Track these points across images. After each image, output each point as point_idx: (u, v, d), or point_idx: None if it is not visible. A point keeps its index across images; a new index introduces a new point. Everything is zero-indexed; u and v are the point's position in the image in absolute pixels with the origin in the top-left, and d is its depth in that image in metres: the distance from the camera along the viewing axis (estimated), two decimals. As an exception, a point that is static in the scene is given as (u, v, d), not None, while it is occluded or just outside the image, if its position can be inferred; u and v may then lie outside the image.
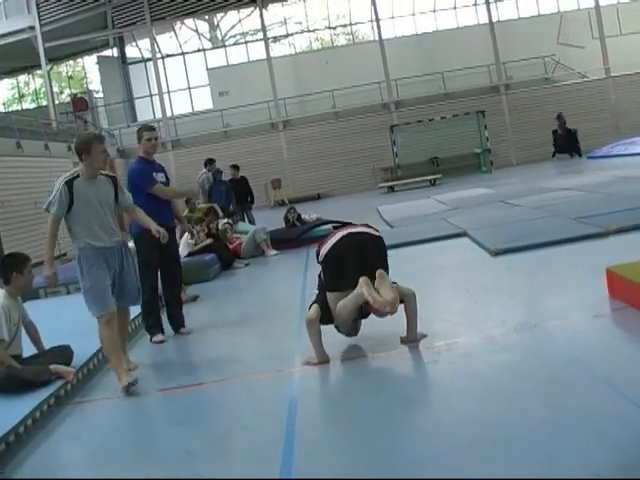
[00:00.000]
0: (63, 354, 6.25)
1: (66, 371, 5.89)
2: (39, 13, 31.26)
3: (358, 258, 5.59)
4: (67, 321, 8.40)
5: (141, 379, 5.85)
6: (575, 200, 13.14)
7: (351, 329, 5.85)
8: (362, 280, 5.41)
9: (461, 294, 7.25)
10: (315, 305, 5.65)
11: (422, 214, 15.29)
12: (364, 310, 5.62)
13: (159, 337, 7.42)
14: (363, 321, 5.96)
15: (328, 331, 5.71)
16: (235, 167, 17.56)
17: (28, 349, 6.32)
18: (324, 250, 5.77)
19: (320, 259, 5.82)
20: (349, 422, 4.36)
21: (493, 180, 24.21)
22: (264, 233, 13.39)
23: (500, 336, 5.56)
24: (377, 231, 5.97)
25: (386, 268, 5.70)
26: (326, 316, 5.63)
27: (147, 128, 7.78)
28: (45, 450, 4.73)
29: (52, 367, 5.84)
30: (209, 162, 16.97)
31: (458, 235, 11.17)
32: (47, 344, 6.45)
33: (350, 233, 5.80)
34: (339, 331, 5.86)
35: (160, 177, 7.57)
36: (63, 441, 4.91)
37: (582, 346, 5.05)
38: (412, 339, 5.72)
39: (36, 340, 6.43)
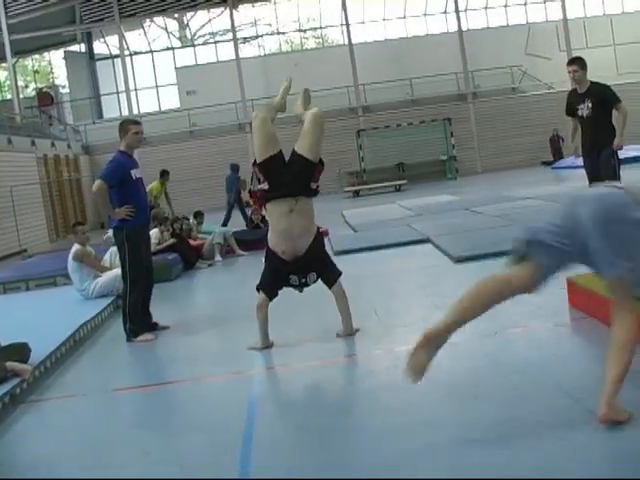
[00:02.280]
0: (20, 351, 6.14)
1: (23, 369, 5.80)
2: (5, 5, 30.80)
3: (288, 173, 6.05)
4: (25, 318, 8.30)
5: (97, 378, 5.80)
6: (537, 209, 13.24)
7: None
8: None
9: (423, 300, 7.28)
10: (260, 291, 6.10)
11: (386, 219, 15.35)
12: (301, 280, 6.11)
13: (148, 336, 7.18)
14: (321, 327, 5.98)
15: (297, 335, 5.70)
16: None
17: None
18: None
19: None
20: (306, 425, 4.34)
21: (458, 187, 24.36)
22: (223, 237, 13.29)
23: (461, 342, 5.56)
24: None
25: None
26: (272, 288, 6.12)
27: (134, 122, 7.68)
28: (-2, 448, 4.66)
29: (8, 364, 5.74)
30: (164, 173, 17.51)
31: (421, 241, 11.23)
32: (4, 341, 6.34)
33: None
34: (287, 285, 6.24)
35: (136, 173, 7.47)
36: (17, 440, 4.84)
37: (540, 354, 5.09)
38: (349, 332, 6.12)
39: (-8, 336, 6.33)
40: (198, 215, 14.63)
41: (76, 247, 9.39)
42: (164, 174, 17.52)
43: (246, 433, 4.18)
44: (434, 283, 8.08)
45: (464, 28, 33.86)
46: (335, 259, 10.81)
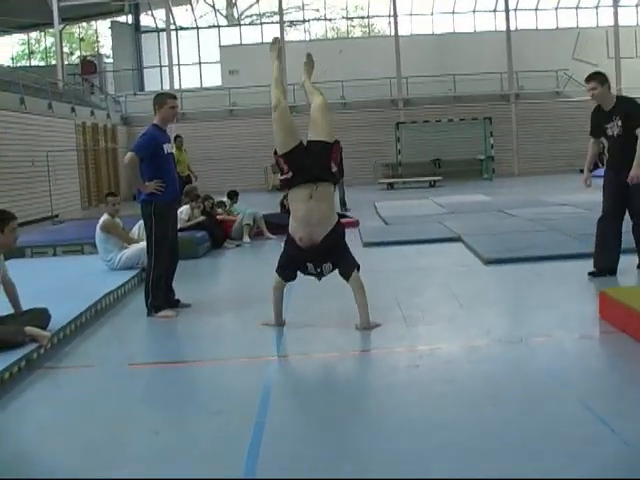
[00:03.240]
0: (40, 317, 6.12)
1: (41, 335, 5.77)
2: (56, -28, 30.94)
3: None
4: (49, 284, 8.29)
5: (114, 350, 5.76)
6: (572, 217, 13.07)
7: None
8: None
9: (448, 299, 7.15)
10: (277, 275, 6.26)
11: (418, 214, 15.21)
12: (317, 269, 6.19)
13: (169, 312, 7.13)
14: (344, 315, 5.98)
15: (318, 325, 5.61)
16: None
17: (5, 308, 6.20)
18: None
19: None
20: (322, 417, 4.26)
21: (493, 188, 24.10)
22: (253, 218, 13.22)
23: (483, 346, 5.48)
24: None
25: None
26: (289, 270, 6.26)
27: (171, 95, 7.63)
28: (7, 414, 4.63)
29: (27, 329, 5.72)
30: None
31: (452, 239, 11.09)
32: (26, 305, 6.32)
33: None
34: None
35: (168, 148, 7.42)
36: (27, 406, 4.80)
37: (564, 365, 4.96)
38: (366, 326, 6.10)
39: (14, 300, 6.30)
40: (233, 195, 14.57)
41: (105, 217, 9.37)
42: (177, 139, 17.41)
43: (258, 421, 4.10)
44: (461, 283, 7.94)
45: (512, 28, 33.42)
46: (364, 251, 10.94)
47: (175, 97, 7.67)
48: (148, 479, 3.50)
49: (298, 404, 4.58)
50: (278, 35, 6.38)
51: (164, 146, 7.31)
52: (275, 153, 6.31)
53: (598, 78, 7.50)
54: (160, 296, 7.21)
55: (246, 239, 12.96)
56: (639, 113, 7.34)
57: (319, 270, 6.18)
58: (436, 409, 4.25)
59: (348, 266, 6.16)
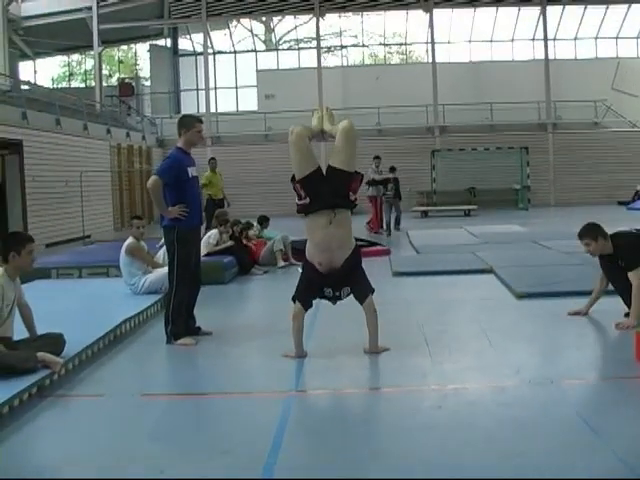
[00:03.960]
0: (54, 342, 5.97)
1: (53, 361, 5.61)
2: (97, -5, 31.31)
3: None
4: (69, 307, 8.16)
5: (129, 379, 5.57)
6: (610, 250, 12.70)
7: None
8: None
9: (477, 335, 6.87)
10: (297, 302, 6.17)
11: (451, 244, 14.91)
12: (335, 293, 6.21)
13: (189, 340, 6.94)
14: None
15: (340, 356, 5.38)
16: (393, 169, 20.58)
17: (20, 332, 6.06)
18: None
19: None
20: (336, 461, 4.01)
21: (528, 218, 23.71)
22: (282, 243, 13.06)
23: (512, 388, 5.20)
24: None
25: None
26: (307, 297, 6.21)
27: (199, 119, 7.45)
28: (11, 442, 4.45)
29: (39, 355, 5.56)
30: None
31: (484, 271, 10.80)
32: (42, 328, 6.18)
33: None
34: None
35: (192, 171, 7.25)
36: (33, 435, 4.63)
37: (597, 411, 4.67)
38: (374, 350, 6.16)
39: (29, 323, 6.17)
40: (263, 220, 14.42)
41: (130, 241, 9.26)
42: (211, 161, 17.76)
43: (268, 462, 3.89)
44: (492, 317, 7.66)
45: (551, 57, 33.11)
46: (393, 280, 10.71)
47: (202, 121, 7.52)
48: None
49: (312, 445, 4.32)
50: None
51: (188, 170, 7.16)
52: (292, 179, 6.23)
53: (590, 234, 7.22)
54: (180, 323, 7.03)
55: (281, 263, 12.78)
56: (628, 255, 6.99)
57: (337, 294, 6.23)
58: (459, 456, 3.99)
59: (364, 290, 6.21)
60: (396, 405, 4.99)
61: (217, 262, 11.13)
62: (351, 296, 6.26)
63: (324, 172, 6.23)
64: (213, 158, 18.41)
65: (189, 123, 7.29)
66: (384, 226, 19.29)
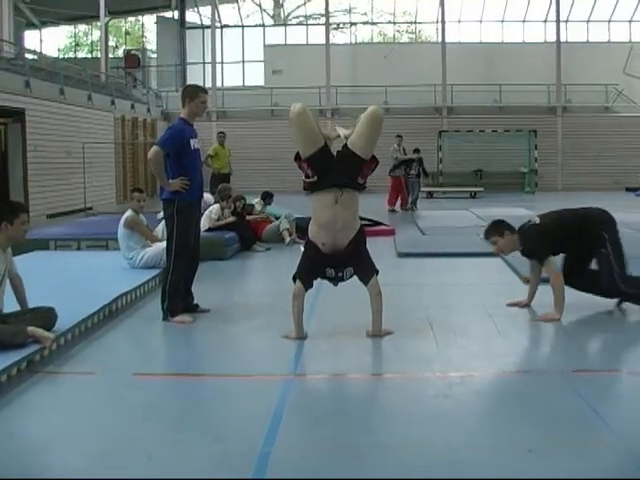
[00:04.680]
0: (46, 317, 5.75)
1: (44, 336, 5.40)
2: (104, -35, 30.88)
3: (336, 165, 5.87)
4: (64, 279, 7.95)
5: (121, 356, 5.37)
6: (622, 237, 12.43)
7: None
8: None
9: (484, 320, 6.64)
10: (297, 281, 5.96)
11: (457, 226, 14.67)
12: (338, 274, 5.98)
13: (186, 318, 6.71)
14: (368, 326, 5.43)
15: (342, 338, 5.16)
16: (417, 150, 20.36)
17: (11, 304, 5.84)
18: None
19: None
20: (335, 450, 3.79)
21: (535, 202, 23.41)
22: (287, 222, 12.81)
23: (520, 377, 4.98)
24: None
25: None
26: (309, 277, 6.02)
27: (204, 89, 7.15)
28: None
29: (30, 329, 5.35)
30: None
31: (491, 254, 10.50)
32: (35, 302, 5.96)
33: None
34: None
35: (195, 143, 6.99)
36: (19, 411, 4.43)
37: (611, 407, 4.43)
38: (377, 333, 5.98)
39: (21, 296, 5.96)
40: (267, 196, 14.16)
41: (129, 213, 9.04)
42: (219, 135, 17.87)
43: (262, 452, 3.67)
44: (499, 302, 7.39)
45: (563, 39, 32.65)
46: (397, 261, 10.48)
47: (207, 91, 7.24)
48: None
49: (310, 434, 4.08)
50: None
51: (191, 141, 6.90)
52: (296, 158, 5.98)
53: (495, 231, 6.98)
54: (177, 300, 6.81)
55: (287, 239, 12.55)
56: (535, 248, 6.79)
57: (340, 275, 6.02)
58: (465, 451, 3.76)
59: (368, 271, 6.01)
60: (399, 393, 4.75)
61: (218, 237, 10.91)
62: (354, 277, 6.04)
63: (333, 151, 5.99)
64: (222, 132, 18.13)
65: (193, 93, 7.01)
66: (408, 204, 19.78)
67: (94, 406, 4.54)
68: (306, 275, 6.01)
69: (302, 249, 6.35)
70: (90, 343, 5.97)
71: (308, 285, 6.03)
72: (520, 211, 18.64)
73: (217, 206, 12.10)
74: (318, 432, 4.07)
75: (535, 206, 21.03)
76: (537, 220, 6.99)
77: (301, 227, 12.90)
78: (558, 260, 6.82)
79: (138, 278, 8.14)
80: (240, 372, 5.18)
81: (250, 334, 6.41)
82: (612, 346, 5.97)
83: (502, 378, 5.00)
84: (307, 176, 5.91)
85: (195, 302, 7.13)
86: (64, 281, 7.85)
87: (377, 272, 6.02)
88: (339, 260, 5.93)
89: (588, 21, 34.94)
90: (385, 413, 4.40)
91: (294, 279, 6.03)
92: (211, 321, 6.76)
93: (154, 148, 6.78)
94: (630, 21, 34.84)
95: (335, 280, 6.10)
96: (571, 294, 6.78)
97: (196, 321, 6.72)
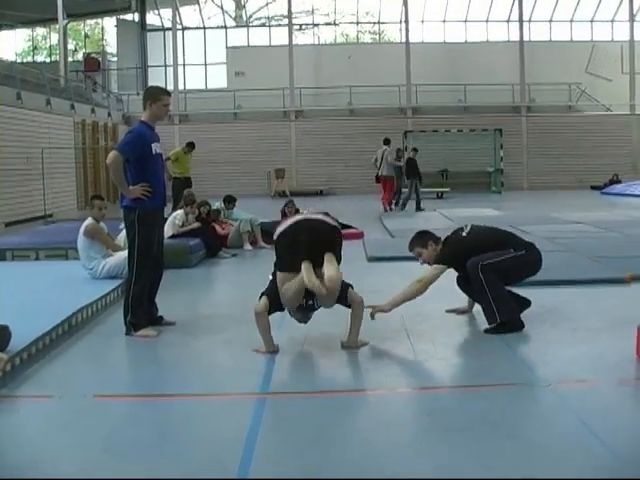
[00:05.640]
0: (-2, 335, 5.39)
1: (-3, 357, 5.04)
2: (62, -34, 30.26)
3: (308, 242, 5.57)
4: (21, 293, 7.55)
5: (81, 377, 5.02)
6: (589, 236, 12.36)
7: (299, 316, 5.84)
8: (304, 265, 5.43)
9: (462, 327, 6.40)
10: (264, 297, 5.67)
11: (426, 227, 14.40)
12: (308, 302, 5.63)
13: (150, 332, 6.36)
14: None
15: (316, 352, 4.85)
16: (415, 150, 21.35)
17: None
18: (278, 230, 5.86)
19: (274, 238, 5.92)
20: (313, 475, 3.50)
21: (502, 202, 23.37)
22: (250, 224, 12.49)
23: (506, 391, 4.70)
24: (336, 221, 6.02)
25: (338, 258, 5.69)
26: (276, 305, 5.68)
27: (166, 92, 6.75)
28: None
29: (-19, 350, 5.00)
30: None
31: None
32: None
33: (305, 218, 5.93)
34: (290, 315, 5.85)
35: (156, 148, 6.64)
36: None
37: (602, 417, 4.17)
38: (352, 344, 5.71)
39: (-28, 314, 5.59)
40: (229, 200, 13.81)
41: (89, 221, 8.67)
42: (189, 145, 17.18)
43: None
44: (475, 308, 7.14)
45: (526, 38, 32.68)
46: (368, 266, 10.20)
47: (170, 93, 6.89)
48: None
49: (287, 459, 3.72)
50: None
51: (152, 146, 6.56)
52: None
53: (418, 242, 6.66)
54: (141, 312, 6.46)
55: (247, 247, 12.27)
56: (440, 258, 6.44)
57: (311, 303, 5.65)
58: (453, 476, 3.48)
59: (342, 290, 5.63)
60: (379, 410, 4.45)
61: (182, 244, 10.56)
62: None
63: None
64: (192, 143, 17.55)
65: (155, 95, 6.66)
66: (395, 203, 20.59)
67: (52, 433, 4.19)
68: (274, 301, 5.67)
69: (272, 251, 6.05)
70: (48, 363, 5.59)
71: (274, 310, 5.72)
72: (488, 211, 18.54)
73: (181, 212, 11.75)
74: (296, 457, 3.75)
75: (503, 205, 21.02)
76: (464, 233, 6.67)
77: (266, 231, 12.61)
78: None
79: (99, 290, 7.77)
80: (209, 391, 4.85)
81: (218, 348, 6.06)
82: (598, 349, 5.74)
83: (486, 392, 4.71)
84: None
85: (160, 314, 6.79)
86: (20, 295, 7.45)
87: (350, 286, 5.74)
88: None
89: (551, 21, 35.04)
90: (363, 434, 4.06)
91: (261, 295, 5.73)
92: (177, 335, 6.42)
93: (113, 153, 6.44)
94: (592, 21, 35.01)
95: (308, 310, 5.76)
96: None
97: (161, 335, 6.38)
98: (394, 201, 20.64)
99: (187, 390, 4.92)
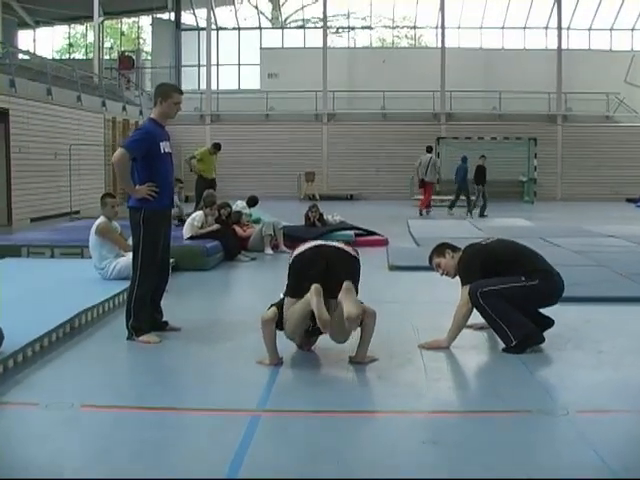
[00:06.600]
0: (-10, 337, 5.17)
1: (-15, 360, 4.81)
2: (99, -35, 30.30)
3: (324, 270, 5.34)
4: (26, 292, 7.34)
5: (71, 384, 4.76)
6: (622, 251, 11.90)
7: (302, 341, 5.68)
8: (313, 288, 5.17)
9: (480, 346, 6.03)
10: (273, 307, 5.48)
11: (454, 236, 13.96)
12: (315, 325, 5.31)
13: (152, 337, 6.12)
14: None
15: (321, 366, 4.54)
16: (484, 157, 22.65)
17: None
18: (296, 252, 5.69)
19: (289, 259, 5.73)
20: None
21: (534, 212, 22.89)
22: (273, 228, 12.21)
23: (519, 418, 4.36)
24: (356, 252, 5.68)
25: (355, 288, 5.41)
26: (281, 322, 5.46)
27: (178, 89, 6.56)
28: None
29: (-31, 353, 4.77)
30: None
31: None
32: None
33: (323, 244, 5.70)
34: (290, 339, 5.62)
35: (165, 147, 6.39)
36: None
37: (626, 458, 3.82)
38: (360, 360, 5.41)
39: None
40: (251, 200, 13.58)
41: (100, 220, 8.44)
42: (215, 146, 16.87)
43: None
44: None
45: (564, 47, 32.11)
46: (389, 275, 9.89)
47: (182, 92, 6.62)
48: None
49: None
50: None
51: (161, 144, 6.30)
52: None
53: (436, 252, 6.33)
54: (143, 317, 6.20)
55: (268, 251, 11.98)
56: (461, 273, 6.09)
57: (317, 327, 5.33)
58: None
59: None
60: (382, 436, 4.11)
61: (199, 247, 10.32)
62: None
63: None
64: (218, 144, 17.34)
65: (166, 93, 6.41)
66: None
67: (30, 445, 3.93)
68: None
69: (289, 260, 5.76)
70: (41, 367, 5.35)
71: (281, 324, 5.47)
72: (520, 222, 18.11)
73: (200, 213, 11.51)
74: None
75: (535, 216, 20.54)
76: (484, 242, 6.32)
77: (289, 236, 12.34)
78: None
79: (107, 291, 7.54)
80: (201, 405, 4.57)
81: (221, 358, 5.77)
82: (626, 376, 5.36)
83: (498, 419, 4.38)
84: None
85: (165, 319, 6.53)
86: (26, 293, 7.24)
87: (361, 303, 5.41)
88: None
89: (590, 29, 34.44)
90: (363, 462, 3.74)
91: (271, 305, 5.52)
92: (180, 342, 6.14)
93: (119, 150, 6.20)
94: (632, 29, 34.37)
95: (313, 335, 5.60)
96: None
97: (163, 341, 6.11)
98: (467, 208, 21.19)
99: (179, 404, 4.64)
